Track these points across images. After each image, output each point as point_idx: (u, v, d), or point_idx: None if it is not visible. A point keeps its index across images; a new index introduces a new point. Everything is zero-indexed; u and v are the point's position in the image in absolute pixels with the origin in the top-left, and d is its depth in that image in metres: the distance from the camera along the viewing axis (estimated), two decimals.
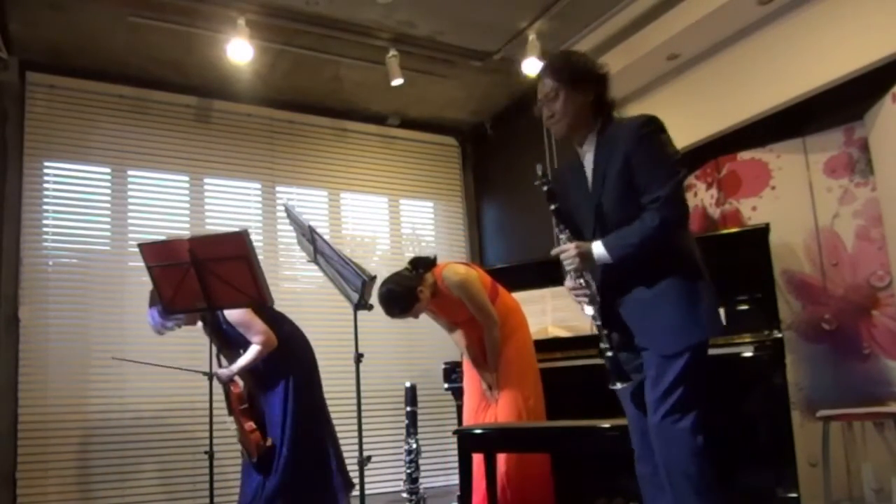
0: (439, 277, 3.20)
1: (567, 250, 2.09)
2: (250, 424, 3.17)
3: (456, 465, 3.34)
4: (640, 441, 2.17)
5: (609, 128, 2.17)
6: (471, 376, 3.34)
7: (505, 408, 3.16)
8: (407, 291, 3.13)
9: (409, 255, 5.30)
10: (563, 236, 2.13)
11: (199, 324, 3.28)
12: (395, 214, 5.34)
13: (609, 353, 2.06)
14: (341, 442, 4.44)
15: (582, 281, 2.09)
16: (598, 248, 2.06)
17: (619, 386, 2.06)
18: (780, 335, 3.13)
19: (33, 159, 4.15)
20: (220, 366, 3.20)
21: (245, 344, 3.18)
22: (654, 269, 2.05)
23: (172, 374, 4.18)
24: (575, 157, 2.28)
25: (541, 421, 3.17)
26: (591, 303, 2.09)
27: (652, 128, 2.09)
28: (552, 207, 2.15)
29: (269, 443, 3.17)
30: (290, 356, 3.29)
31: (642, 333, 2.08)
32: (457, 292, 3.16)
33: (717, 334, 2.07)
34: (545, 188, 2.15)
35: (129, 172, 4.44)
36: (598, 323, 2.09)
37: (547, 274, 3.87)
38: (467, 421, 3.31)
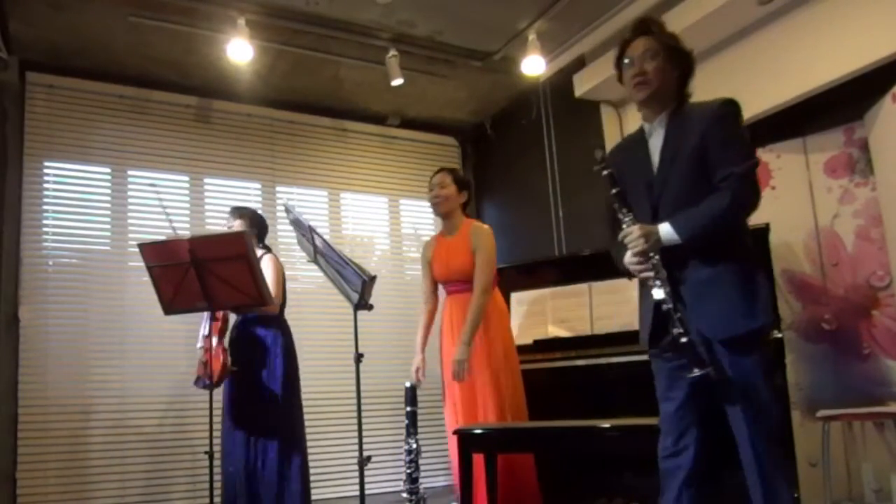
0: (468, 222, 3.45)
1: (631, 233, 2.01)
2: (223, 345, 3.26)
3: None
4: (677, 432, 2.10)
5: (684, 108, 2.13)
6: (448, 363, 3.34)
7: (490, 404, 3.20)
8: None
9: (410, 255, 5.32)
10: (626, 219, 2.05)
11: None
12: (395, 214, 5.34)
13: (684, 339, 1.93)
14: (341, 442, 4.48)
15: (650, 264, 2.00)
16: (665, 229, 1.99)
17: (697, 373, 1.93)
18: (780, 335, 3.13)
19: (33, 159, 4.15)
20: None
21: None
22: (714, 250, 1.99)
23: (173, 374, 4.21)
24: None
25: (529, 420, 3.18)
26: (661, 286, 1.98)
27: (733, 108, 2.05)
28: (614, 191, 2.09)
29: (234, 367, 3.28)
30: (285, 336, 3.45)
31: (697, 317, 2.00)
32: (477, 239, 3.30)
33: (773, 326, 2.03)
34: (605, 172, 2.10)
35: (129, 172, 4.44)
36: (669, 306, 1.97)
37: (547, 274, 3.88)
38: (450, 416, 3.31)
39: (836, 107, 3.56)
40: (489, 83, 4.87)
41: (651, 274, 2.01)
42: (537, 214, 4.86)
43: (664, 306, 1.98)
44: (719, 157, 2.00)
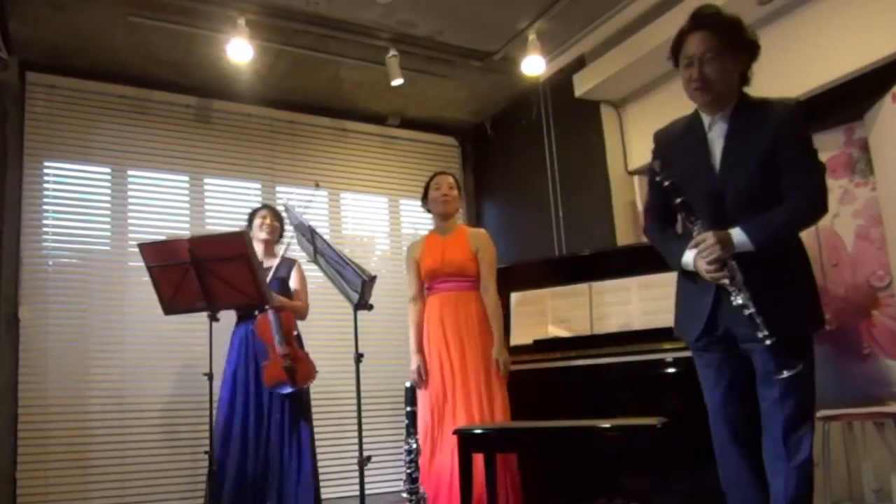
0: (462, 225, 3.59)
1: (705, 240, 1.95)
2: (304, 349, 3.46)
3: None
4: (731, 429, 2.12)
5: (748, 102, 2.05)
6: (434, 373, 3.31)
7: (500, 405, 3.25)
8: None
9: None
10: (696, 227, 1.99)
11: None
12: (395, 214, 5.34)
13: (769, 342, 1.86)
14: (341, 442, 4.48)
15: (726, 270, 1.94)
16: (738, 235, 1.93)
17: (786, 374, 1.88)
18: None
19: (33, 159, 4.15)
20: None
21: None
22: (776, 253, 1.97)
23: (173, 374, 4.21)
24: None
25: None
26: (740, 291, 1.92)
27: (805, 112, 2.00)
28: (678, 201, 2.01)
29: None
30: None
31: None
32: (478, 241, 3.41)
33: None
34: (667, 183, 2.02)
35: (129, 172, 4.44)
36: (752, 310, 1.89)
37: (547, 274, 3.88)
38: (425, 424, 3.26)
39: (836, 107, 3.56)
40: (489, 83, 4.87)
41: (727, 281, 1.94)
42: (537, 214, 4.86)
43: (746, 311, 1.90)
44: (792, 161, 1.96)
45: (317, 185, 4.02)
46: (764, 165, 1.97)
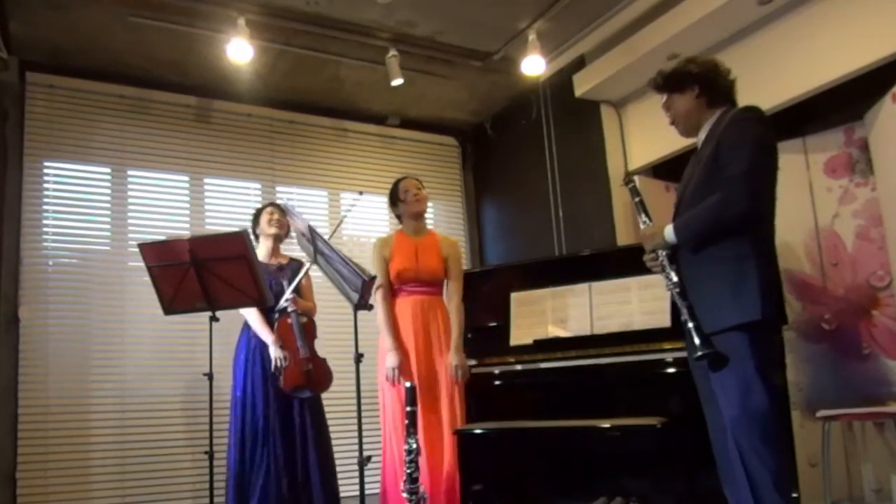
0: (431, 230, 3.65)
1: (643, 235, 2.34)
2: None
3: None
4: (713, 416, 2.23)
5: (723, 118, 2.28)
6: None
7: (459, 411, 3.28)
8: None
9: None
10: (642, 223, 2.39)
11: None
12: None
13: (690, 324, 2.12)
14: (343, 442, 4.47)
15: (656, 258, 2.28)
16: (668, 230, 2.23)
17: (700, 353, 2.08)
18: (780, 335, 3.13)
19: (33, 159, 4.15)
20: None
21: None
22: (707, 247, 2.17)
23: (173, 374, 4.21)
24: None
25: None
26: (669, 278, 2.23)
27: (748, 115, 2.20)
28: (636, 199, 2.43)
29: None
30: None
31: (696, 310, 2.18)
32: (450, 249, 3.49)
33: (767, 317, 2.07)
34: (629, 186, 2.49)
35: (129, 172, 4.44)
36: (678, 290, 2.20)
37: (547, 274, 3.88)
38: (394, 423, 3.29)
39: (836, 107, 3.56)
40: (489, 83, 4.87)
41: (659, 269, 2.27)
42: (537, 214, 4.86)
43: (673, 292, 2.21)
44: (723, 161, 2.13)
45: (360, 193, 4.02)
46: (710, 170, 2.17)
